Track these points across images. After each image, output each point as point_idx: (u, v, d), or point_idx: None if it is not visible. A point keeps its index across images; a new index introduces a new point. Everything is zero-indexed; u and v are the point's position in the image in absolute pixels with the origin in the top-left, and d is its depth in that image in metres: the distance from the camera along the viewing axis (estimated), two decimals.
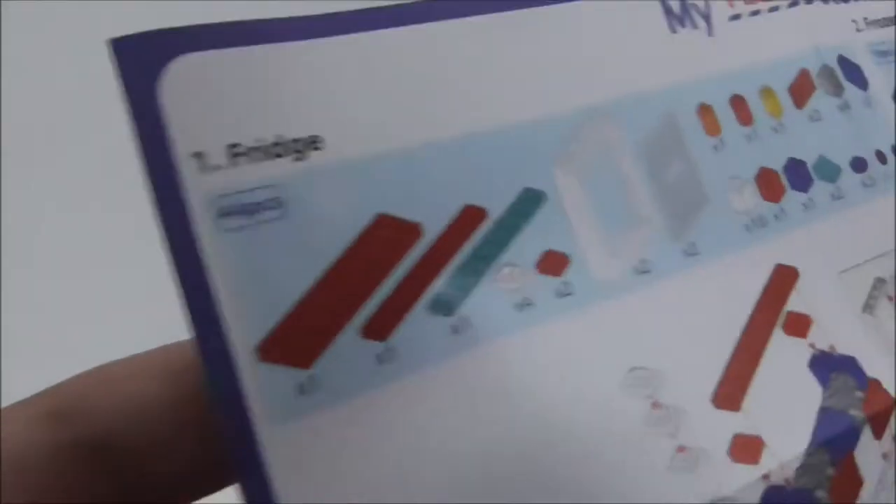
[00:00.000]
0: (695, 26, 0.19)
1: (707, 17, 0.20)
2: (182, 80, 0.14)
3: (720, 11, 0.20)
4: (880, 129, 0.21)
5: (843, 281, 0.19)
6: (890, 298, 0.19)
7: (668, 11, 0.19)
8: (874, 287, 0.19)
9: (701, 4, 0.20)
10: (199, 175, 0.14)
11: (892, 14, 0.22)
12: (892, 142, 0.21)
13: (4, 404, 0.14)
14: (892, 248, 0.20)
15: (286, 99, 0.15)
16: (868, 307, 0.19)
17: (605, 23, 0.19)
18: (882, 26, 0.22)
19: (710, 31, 0.20)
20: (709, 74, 0.19)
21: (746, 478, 0.16)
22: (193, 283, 0.14)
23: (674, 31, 0.19)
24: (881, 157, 0.21)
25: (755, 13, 0.20)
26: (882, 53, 0.22)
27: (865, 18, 0.22)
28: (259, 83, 0.15)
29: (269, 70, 0.15)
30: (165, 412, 0.15)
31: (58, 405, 0.14)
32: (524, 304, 0.16)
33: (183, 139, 0.14)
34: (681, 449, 0.16)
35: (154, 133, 0.14)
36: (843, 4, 0.22)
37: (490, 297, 0.16)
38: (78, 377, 0.15)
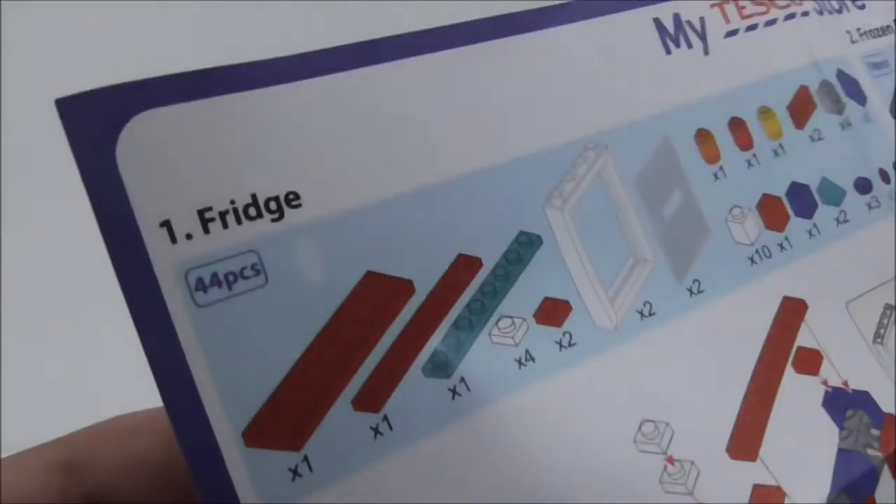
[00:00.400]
0: (690, 45, 0.18)
1: (702, 35, 0.19)
2: (141, 141, 0.13)
3: (716, 28, 0.19)
4: (881, 146, 0.20)
5: (851, 310, 0.18)
6: None
7: (661, 31, 0.18)
8: (883, 315, 0.18)
9: (696, 21, 0.19)
10: (168, 247, 0.13)
11: (885, 24, 0.22)
12: (893, 158, 0.20)
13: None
14: None
15: (258, 153, 0.14)
16: (878, 336, 0.18)
17: (596, 46, 0.17)
18: (875, 37, 0.21)
19: (706, 50, 0.19)
20: (706, 96, 0.18)
21: None
22: (169, 365, 0.13)
23: (668, 51, 0.18)
24: (884, 175, 0.20)
25: (752, 28, 0.19)
26: (877, 65, 0.21)
27: (859, 29, 0.21)
28: (227, 137, 0.14)
29: (237, 121, 0.14)
30: (164, 472, 0.15)
31: (69, 456, 0.15)
32: (525, 360, 0.15)
33: (147, 207, 0.13)
34: None
35: (114, 202, 0.13)
36: (836, 15, 0.21)
37: (489, 354, 0.15)
38: (88, 429, 0.15)
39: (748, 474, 0.16)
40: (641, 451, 0.15)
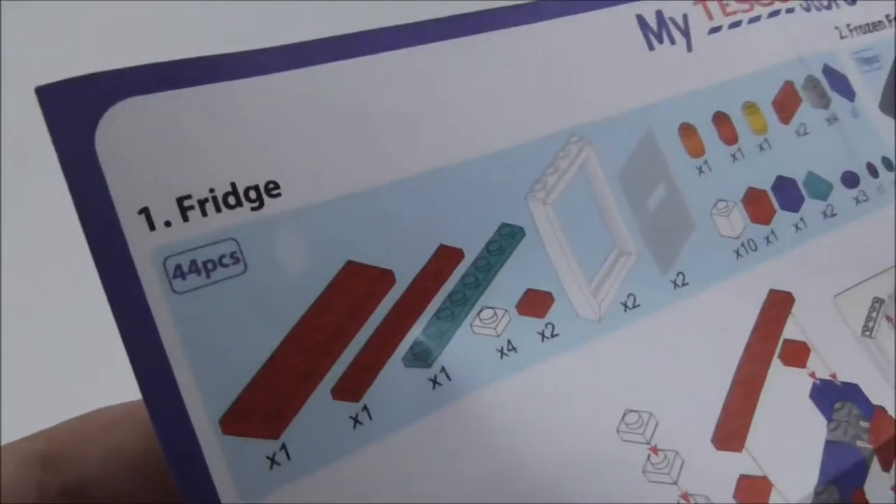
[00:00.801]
0: (673, 42, 0.19)
1: (685, 32, 0.19)
2: (121, 129, 0.13)
3: (699, 25, 0.19)
4: (870, 141, 0.20)
5: (839, 304, 0.18)
6: (889, 319, 0.18)
7: (644, 27, 0.18)
8: (872, 308, 0.18)
9: (679, 18, 0.19)
10: (146, 233, 0.13)
11: (876, 19, 0.22)
12: (883, 153, 0.20)
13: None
14: (890, 265, 0.19)
15: (238, 143, 0.14)
16: (867, 329, 0.18)
17: (578, 42, 0.18)
18: (866, 32, 0.21)
19: (689, 46, 0.19)
20: (690, 92, 0.18)
21: None
22: (145, 352, 0.13)
23: (651, 48, 0.18)
24: (872, 170, 0.20)
25: (735, 24, 0.19)
26: (867, 61, 0.21)
27: (849, 25, 0.21)
28: (207, 127, 0.14)
29: (217, 112, 0.14)
30: (145, 464, 0.15)
31: (47, 450, 0.15)
32: (507, 350, 0.15)
33: (126, 195, 0.13)
34: (685, 496, 0.15)
35: (93, 189, 0.13)
36: (825, 12, 0.21)
37: (470, 344, 0.15)
38: (68, 422, 0.15)
39: (734, 465, 0.15)
40: (625, 440, 0.15)
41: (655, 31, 0.18)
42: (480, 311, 0.15)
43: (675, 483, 0.15)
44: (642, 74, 0.18)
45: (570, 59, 0.17)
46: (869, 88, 0.21)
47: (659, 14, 0.19)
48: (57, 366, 0.33)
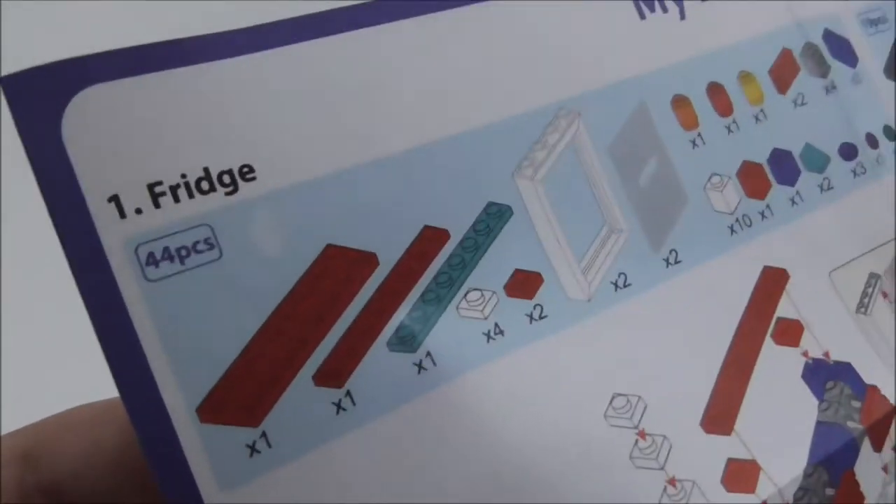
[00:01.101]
0: (665, 10, 0.18)
1: None
2: (88, 116, 0.13)
3: None
4: (870, 109, 0.19)
5: (835, 279, 0.18)
6: (885, 295, 0.18)
7: None
8: (868, 284, 0.18)
9: None
10: (116, 221, 0.13)
11: None
12: (885, 121, 0.20)
13: None
14: (889, 238, 0.19)
15: (209, 126, 0.13)
16: (862, 306, 0.18)
17: (567, 11, 0.17)
18: None
19: (682, 14, 0.18)
20: (683, 62, 0.18)
21: None
22: (119, 342, 0.12)
23: (643, 16, 0.18)
24: (871, 140, 0.19)
25: None
26: (873, 22, 0.20)
27: None
28: (177, 111, 0.13)
29: (186, 95, 0.13)
30: (126, 460, 0.15)
31: (27, 447, 0.14)
32: (494, 333, 0.15)
33: (94, 183, 0.12)
34: (671, 482, 0.15)
35: (61, 178, 0.12)
36: None
37: (456, 328, 0.15)
38: (50, 419, 0.15)
39: (722, 448, 0.15)
40: (612, 425, 0.15)
41: None
42: (467, 293, 0.15)
43: (661, 468, 0.15)
44: (634, 44, 0.17)
45: (558, 28, 0.17)
46: (873, 52, 0.20)
47: None
48: (53, 364, 0.33)
